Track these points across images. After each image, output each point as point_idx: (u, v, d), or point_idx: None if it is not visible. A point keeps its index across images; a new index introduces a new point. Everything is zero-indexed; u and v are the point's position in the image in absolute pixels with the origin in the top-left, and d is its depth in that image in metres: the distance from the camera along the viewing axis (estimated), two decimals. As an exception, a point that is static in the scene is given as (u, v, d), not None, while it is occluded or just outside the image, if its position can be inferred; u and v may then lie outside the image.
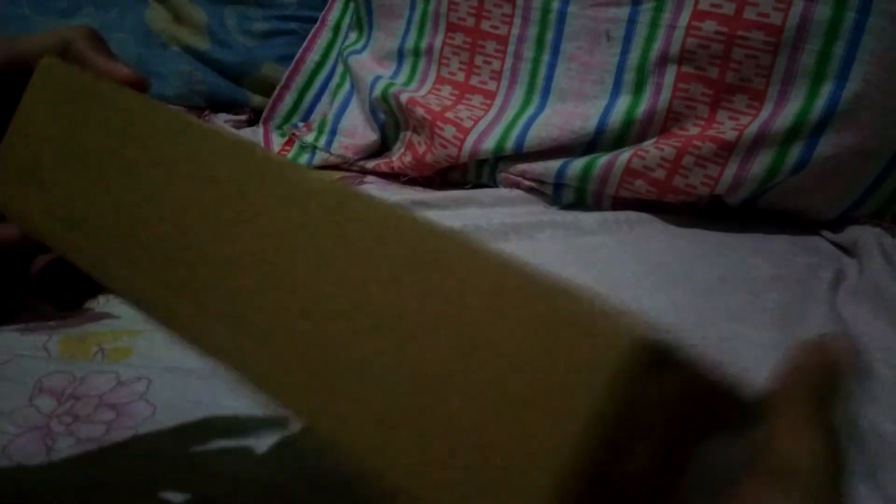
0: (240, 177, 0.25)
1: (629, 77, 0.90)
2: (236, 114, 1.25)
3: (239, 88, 1.26)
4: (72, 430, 0.46)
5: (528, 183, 0.94)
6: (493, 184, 0.98)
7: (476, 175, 1.00)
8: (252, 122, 1.26)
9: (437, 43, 1.03)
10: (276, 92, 1.20)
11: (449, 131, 0.96)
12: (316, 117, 1.18)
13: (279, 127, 1.20)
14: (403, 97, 1.01)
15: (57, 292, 0.31)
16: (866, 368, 0.55)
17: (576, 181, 0.90)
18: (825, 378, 0.21)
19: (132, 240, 0.27)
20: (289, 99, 1.20)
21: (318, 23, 1.22)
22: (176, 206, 0.26)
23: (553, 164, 0.91)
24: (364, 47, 1.13)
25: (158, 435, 0.46)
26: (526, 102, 0.97)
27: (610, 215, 0.86)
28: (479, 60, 1.01)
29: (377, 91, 1.05)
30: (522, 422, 0.18)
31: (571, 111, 0.92)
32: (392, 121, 1.07)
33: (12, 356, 0.53)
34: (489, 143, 0.95)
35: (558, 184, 0.92)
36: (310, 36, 1.21)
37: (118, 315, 0.62)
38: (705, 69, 0.84)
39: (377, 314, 0.21)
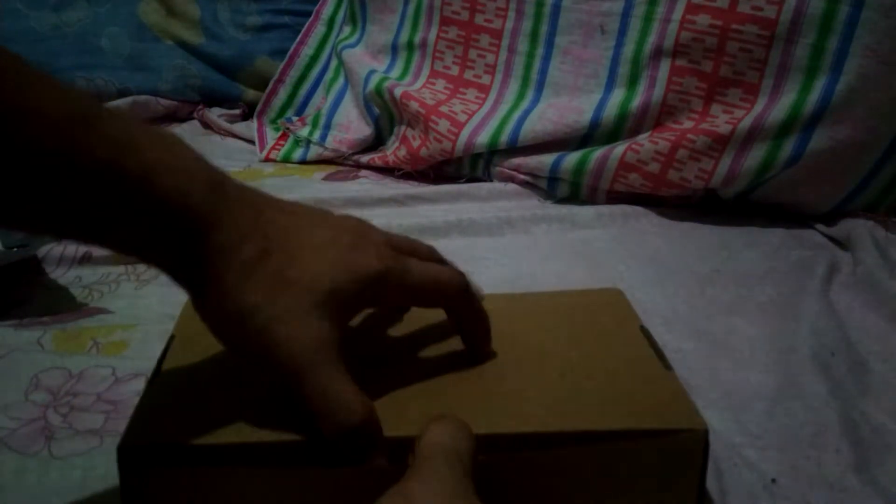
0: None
1: (623, 71, 0.90)
2: (230, 108, 1.25)
3: (233, 83, 1.25)
4: (70, 422, 0.46)
5: (522, 177, 0.94)
6: (487, 178, 0.98)
7: (471, 169, 1.00)
8: (246, 117, 1.25)
9: (431, 37, 1.03)
10: (270, 86, 1.20)
11: (443, 125, 0.96)
12: (310, 111, 1.18)
13: (273, 121, 1.19)
14: (398, 91, 1.01)
15: None
16: (860, 362, 0.55)
17: (570, 175, 0.90)
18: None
19: None
20: (283, 93, 1.20)
21: (312, 17, 1.22)
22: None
23: (547, 158, 0.91)
24: (358, 41, 1.13)
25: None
26: (520, 96, 0.97)
27: (604, 209, 0.86)
28: (473, 54, 1.01)
29: (371, 85, 1.05)
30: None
31: (566, 105, 0.92)
32: (386, 115, 1.07)
33: (7, 351, 0.53)
34: (484, 138, 0.95)
35: (553, 178, 0.92)
36: (304, 29, 1.21)
37: (113, 310, 0.62)
38: (699, 63, 0.84)
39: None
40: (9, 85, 0.29)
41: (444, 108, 0.98)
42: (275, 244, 0.34)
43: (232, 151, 1.11)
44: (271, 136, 1.15)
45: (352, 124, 1.10)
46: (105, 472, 0.42)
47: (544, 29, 0.95)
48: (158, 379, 0.38)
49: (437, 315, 0.41)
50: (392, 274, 0.36)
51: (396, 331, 0.43)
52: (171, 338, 0.42)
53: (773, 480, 0.42)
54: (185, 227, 0.33)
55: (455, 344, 0.41)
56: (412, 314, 0.44)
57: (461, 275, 0.39)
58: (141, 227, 0.32)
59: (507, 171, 0.95)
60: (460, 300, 0.39)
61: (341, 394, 0.32)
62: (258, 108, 1.21)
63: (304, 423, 0.33)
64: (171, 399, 0.37)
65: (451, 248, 0.38)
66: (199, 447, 0.33)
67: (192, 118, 1.26)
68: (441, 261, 0.42)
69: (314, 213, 0.38)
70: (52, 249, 0.70)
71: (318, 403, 0.32)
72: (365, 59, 1.10)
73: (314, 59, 1.21)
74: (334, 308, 0.34)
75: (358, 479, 0.33)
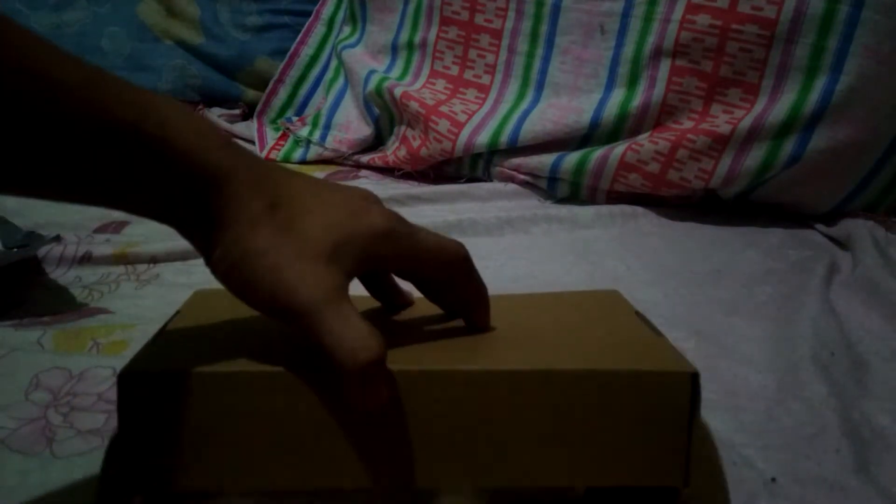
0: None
1: (623, 71, 0.90)
2: (230, 108, 1.25)
3: (232, 82, 1.25)
4: (71, 422, 0.46)
5: (522, 177, 0.94)
6: (487, 178, 0.98)
7: (471, 169, 1.00)
8: (246, 117, 1.25)
9: (431, 37, 1.03)
10: (270, 85, 1.20)
11: (443, 125, 0.96)
12: (310, 111, 1.18)
13: (273, 121, 1.20)
14: (397, 91, 1.01)
15: None
16: (860, 362, 0.55)
17: (570, 175, 0.90)
18: None
19: None
20: (283, 92, 1.20)
21: (312, 17, 1.22)
22: None
23: (547, 158, 0.91)
24: (358, 41, 1.13)
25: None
26: (520, 96, 0.97)
27: (604, 209, 0.86)
28: (473, 54, 1.01)
29: (371, 85, 1.05)
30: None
31: (566, 105, 0.92)
32: (386, 115, 1.07)
33: (7, 351, 0.53)
34: (483, 138, 0.95)
35: (553, 178, 0.92)
36: (304, 29, 1.21)
37: (113, 310, 0.62)
38: (699, 63, 0.84)
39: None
40: (20, 52, 0.30)
41: (444, 108, 0.98)
42: (284, 199, 0.36)
43: (232, 151, 1.11)
44: (271, 136, 1.15)
45: (352, 124, 1.10)
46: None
47: (544, 29, 0.95)
48: (161, 335, 0.39)
49: (434, 311, 0.42)
50: (398, 234, 0.37)
51: (396, 318, 0.43)
52: (176, 312, 0.43)
53: (773, 480, 0.42)
54: (199, 182, 0.34)
55: (455, 329, 0.42)
56: (410, 310, 0.44)
57: (463, 246, 0.40)
58: (157, 185, 0.34)
59: (507, 171, 0.95)
60: (462, 269, 0.40)
61: (358, 329, 0.33)
62: (258, 108, 1.21)
63: (316, 361, 0.34)
64: (175, 344, 0.38)
65: (451, 248, 0.39)
66: (201, 375, 0.34)
67: (192, 118, 1.26)
68: None
69: (325, 180, 0.40)
70: (52, 249, 0.70)
71: (336, 338, 0.32)
72: (365, 59, 1.10)
73: (314, 59, 1.21)
74: (341, 259, 0.35)
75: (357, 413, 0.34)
